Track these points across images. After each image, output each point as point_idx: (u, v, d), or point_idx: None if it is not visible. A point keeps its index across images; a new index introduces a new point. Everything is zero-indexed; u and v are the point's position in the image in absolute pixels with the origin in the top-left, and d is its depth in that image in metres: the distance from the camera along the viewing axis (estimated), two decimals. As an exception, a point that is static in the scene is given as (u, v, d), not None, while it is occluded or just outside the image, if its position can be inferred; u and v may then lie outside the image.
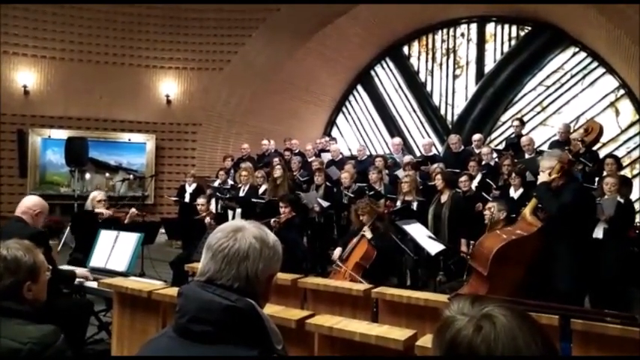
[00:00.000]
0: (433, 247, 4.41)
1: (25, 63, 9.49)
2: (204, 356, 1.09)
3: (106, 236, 4.22)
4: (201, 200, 6.17)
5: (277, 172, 6.68)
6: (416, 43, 12.15)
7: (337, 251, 4.86)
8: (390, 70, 12.39)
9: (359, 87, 12.75)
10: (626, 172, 8.84)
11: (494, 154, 6.89)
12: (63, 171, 9.58)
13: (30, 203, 3.50)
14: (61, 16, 9.51)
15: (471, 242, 4.58)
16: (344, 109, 12.95)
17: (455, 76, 11.68)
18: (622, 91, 9.82)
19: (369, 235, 4.60)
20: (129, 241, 4.08)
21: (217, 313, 1.10)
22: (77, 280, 3.72)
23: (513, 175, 5.50)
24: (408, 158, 7.34)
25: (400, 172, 6.63)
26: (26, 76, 9.51)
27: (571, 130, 7.08)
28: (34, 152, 9.54)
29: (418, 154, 9.39)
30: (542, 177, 3.68)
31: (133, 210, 5.18)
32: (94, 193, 5.12)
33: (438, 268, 5.01)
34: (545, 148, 6.53)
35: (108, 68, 9.89)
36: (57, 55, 9.64)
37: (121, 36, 9.90)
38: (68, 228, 7.78)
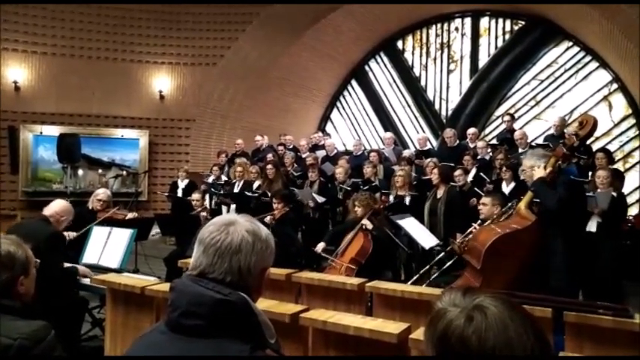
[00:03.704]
0: (427, 241, 4.42)
1: (16, 58, 9.38)
2: (196, 350, 1.09)
3: (98, 232, 4.19)
4: (196, 195, 6.15)
5: (270, 172, 6.67)
6: (410, 38, 12.14)
7: (320, 245, 4.86)
8: (385, 65, 12.38)
9: (353, 82, 12.73)
10: (619, 166, 8.89)
11: (489, 149, 6.91)
12: (55, 168, 9.50)
13: (59, 209, 3.72)
14: (51, 11, 9.41)
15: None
16: (338, 104, 12.94)
17: (449, 71, 11.68)
18: (615, 85, 9.87)
19: (370, 226, 4.58)
20: (122, 237, 4.06)
21: (209, 307, 1.09)
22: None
23: (504, 169, 5.52)
24: (407, 152, 7.36)
25: (397, 167, 6.65)
26: (17, 72, 9.41)
27: (566, 124, 7.11)
28: (26, 149, 9.45)
29: (413, 148, 9.40)
30: (538, 172, 3.69)
31: (132, 214, 5.17)
32: (98, 191, 5.11)
33: (432, 266, 5.01)
34: (540, 141, 6.54)
35: (100, 64, 9.80)
36: (48, 50, 9.54)
37: (114, 31, 9.82)
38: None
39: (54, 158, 9.21)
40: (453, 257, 4.00)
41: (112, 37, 9.82)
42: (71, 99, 9.74)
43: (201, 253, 1.18)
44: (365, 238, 4.54)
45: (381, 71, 12.43)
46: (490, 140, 8.56)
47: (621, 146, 9.76)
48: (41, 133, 9.55)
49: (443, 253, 4.16)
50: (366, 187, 5.93)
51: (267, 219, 5.37)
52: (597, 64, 10.00)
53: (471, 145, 7.16)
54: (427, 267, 4.18)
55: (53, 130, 9.42)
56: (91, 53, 9.76)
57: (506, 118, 7.70)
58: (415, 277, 4.22)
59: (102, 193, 4.99)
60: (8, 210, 8.69)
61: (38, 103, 9.61)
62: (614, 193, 4.97)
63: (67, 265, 3.86)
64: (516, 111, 10.50)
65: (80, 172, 9.63)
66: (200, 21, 10.08)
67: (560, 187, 3.58)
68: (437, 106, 11.75)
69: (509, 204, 4.04)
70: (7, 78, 9.35)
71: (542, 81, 10.64)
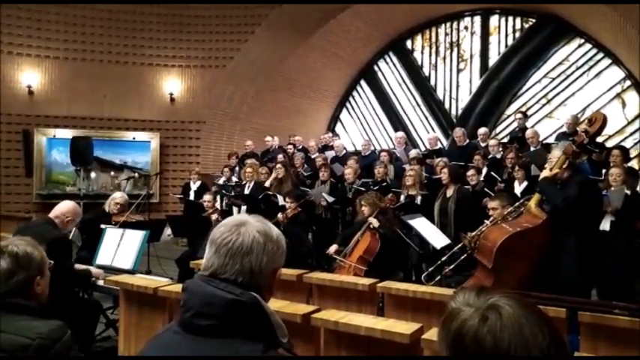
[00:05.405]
0: (438, 241, 4.39)
1: (29, 63, 9.52)
2: (209, 350, 1.09)
3: (111, 234, 4.23)
4: (207, 197, 6.19)
5: (280, 172, 6.68)
6: (419, 37, 12.09)
7: (333, 247, 4.85)
8: (394, 65, 12.34)
9: (362, 82, 12.71)
10: (633, 164, 8.76)
11: (500, 147, 6.85)
12: (68, 170, 9.62)
13: (65, 209, 3.64)
14: (64, 16, 9.53)
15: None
16: (348, 104, 12.93)
17: (459, 70, 11.62)
18: (628, 82, 9.74)
19: (376, 223, 4.57)
20: (134, 238, 4.09)
21: (221, 307, 1.10)
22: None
23: (516, 168, 5.45)
24: (414, 152, 7.33)
25: (407, 167, 6.63)
26: (30, 76, 9.54)
27: (578, 122, 7.03)
28: (40, 152, 9.58)
29: (423, 148, 9.36)
30: (544, 172, 3.66)
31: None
32: (115, 194, 5.20)
33: (444, 262, 4.98)
34: (551, 140, 6.48)
35: (111, 67, 9.91)
36: (60, 54, 9.66)
37: (124, 35, 9.92)
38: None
39: (67, 161, 9.32)
40: (464, 254, 3.97)
41: (122, 40, 9.93)
42: (83, 102, 9.86)
43: (213, 253, 1.19)
44: (372, 236, 4.54)
45: (390, 71, 12.39)
46: (502, 139, 8.48)
47: (635, 144, 9.62)
48: (54, 136, 9.67)
49: (454, 249, 4.13)
50: (376, 187, 5.92)
51: (279, 216, 5.38)
52: (610, 61, 9.87)
53: (482, 145, 7.11)
54: (438, 262, 4.15)
55: (66, 134, 9.53)
56: (102, 57, 9.87)
57: (519, 116, 7.63)
58: (427, 272, 4.21)
59: (119, 197, 5.10)
60: (23, 212, 8.80)
61: (51, 106, 9.73)
62: (628, 192, 4.90)
63: (80, 266, 3.91)
64: (528, 109, 10.40)
65: (93, 174, 9.74)
66: (210, 24, 10.15)
67: (573, 187, 3.54)
68: (447, 106, 11.69)
69: (520, 201, 4.00)
70: (21, 82, 9.49)
71: (554, 79, 10.54)
